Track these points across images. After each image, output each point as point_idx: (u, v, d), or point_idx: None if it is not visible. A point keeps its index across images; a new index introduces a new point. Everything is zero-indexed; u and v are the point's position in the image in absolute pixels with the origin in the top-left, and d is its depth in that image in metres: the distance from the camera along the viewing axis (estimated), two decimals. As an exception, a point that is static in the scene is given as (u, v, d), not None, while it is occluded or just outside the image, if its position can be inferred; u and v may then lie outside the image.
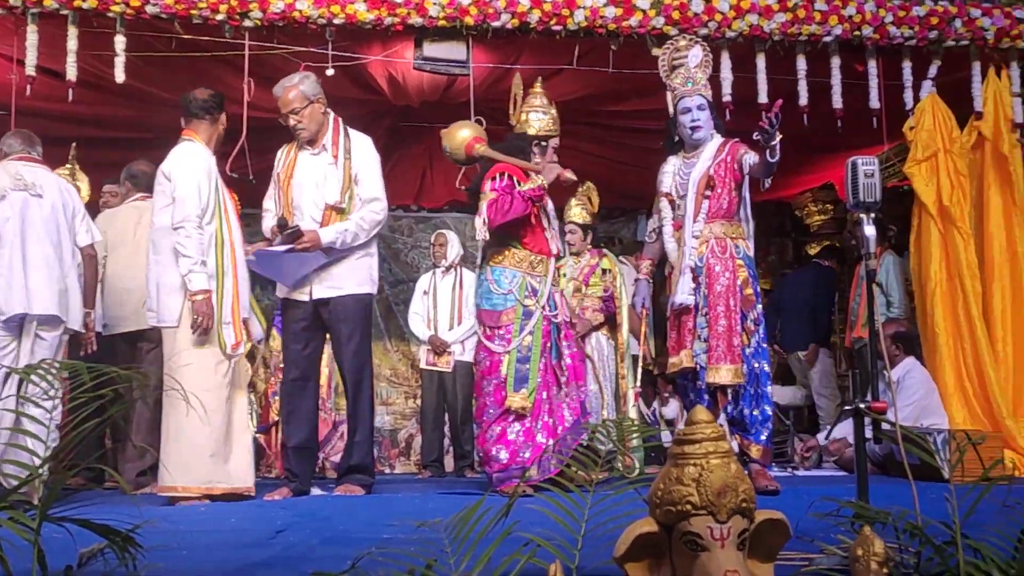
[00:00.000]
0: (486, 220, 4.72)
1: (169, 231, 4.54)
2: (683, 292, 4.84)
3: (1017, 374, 6.08)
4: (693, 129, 4.96)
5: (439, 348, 7.31)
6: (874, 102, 5.97)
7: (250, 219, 9.50)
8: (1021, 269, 6.15)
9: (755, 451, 4.78)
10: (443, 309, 7.44)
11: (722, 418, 4.87)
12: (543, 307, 4.84)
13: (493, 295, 4.83)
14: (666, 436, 7.59)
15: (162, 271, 4.56)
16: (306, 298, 4.83)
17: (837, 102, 5.94)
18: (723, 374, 4.74)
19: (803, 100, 5.87)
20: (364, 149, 4.86)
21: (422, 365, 7.48)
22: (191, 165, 4.61)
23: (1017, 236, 6.19)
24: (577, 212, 6.64)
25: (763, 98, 5.81)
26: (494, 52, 5.92)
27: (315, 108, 4.86)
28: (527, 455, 4.68)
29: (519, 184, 4.81)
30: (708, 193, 4.87)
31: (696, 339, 4.84)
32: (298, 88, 4.85)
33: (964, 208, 6.13)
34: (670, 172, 5.06)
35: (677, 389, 5.32)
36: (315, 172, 4.87)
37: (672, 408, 8.07)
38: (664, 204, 5.05)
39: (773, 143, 4.50)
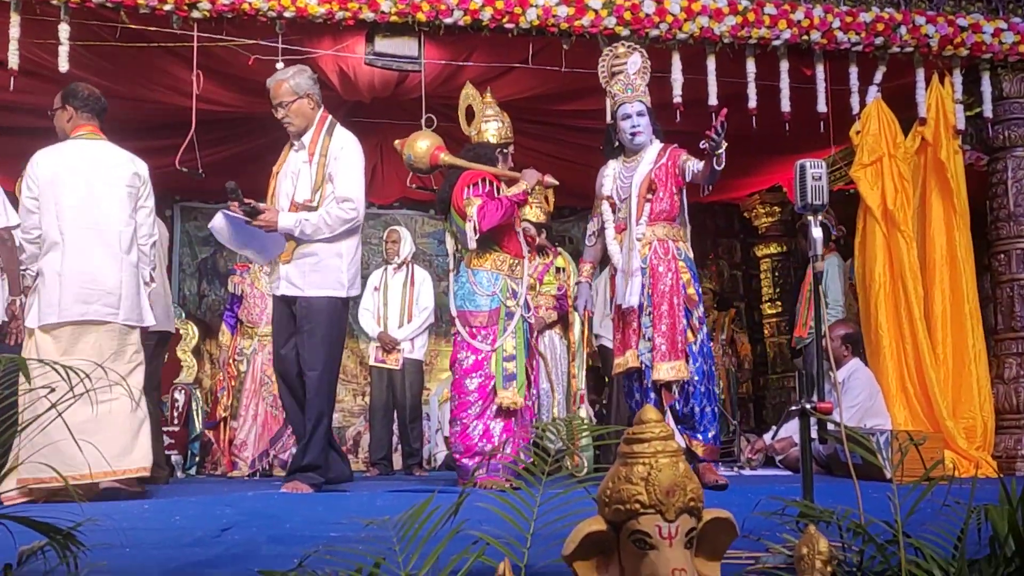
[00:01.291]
0: (476, 225, 4.74)
1: (138, 234, 4.67)
2: (631, 293, 4.87)
3: (956, 376, 6.19)
4: (633, 135, 5.02)
5: (388, 345, 7.29)
6: (821, 106, 6.04)
7: (197, 213, 9.43)
8: (960, 273, 6.27)
9: (701, 449, 4.82)
10: (393, 306, 7.41)
11: (668, 417, 4.90)
12: (521, 307, 4.94)
13: (477, 296, 4.90)
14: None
15: (134, 272, 4.64)
16: (279, 294, 4.80)
17: (785, 105, 6.00)
18: (668, 371, 4.78)
19: (752, 103, 5.92)
20: (344, 148, 4.79)
21: (371, 362, 7.45)
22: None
23: (957, 240, 6.30)
24: (534, 212, 6.66)
25: (713, 100, 5.85)
26: (446, 49, 5.90)
27: (303, 104, 4.81)
28: (509, 450, 4.79)
29: (499, 189, 4.88)
30: (650, 196, 4.93)
31: (641, 339, 4.89)
32: (288, 82, 4.81)
33: (907, 212, 6.23)
34: (610, 176, 5.12)
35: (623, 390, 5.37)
36: (293, 168, 4.84)
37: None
38: (605, 207, 5.11)
39: (719, 151, 4.57)
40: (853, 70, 6.10)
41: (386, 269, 7.57)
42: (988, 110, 6.32)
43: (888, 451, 5.21)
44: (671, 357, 4.79)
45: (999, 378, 6.30)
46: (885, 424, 5.95)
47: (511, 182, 4.99)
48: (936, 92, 6.27)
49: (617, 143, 5.13)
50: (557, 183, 5.08)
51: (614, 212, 5.07)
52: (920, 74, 6.25)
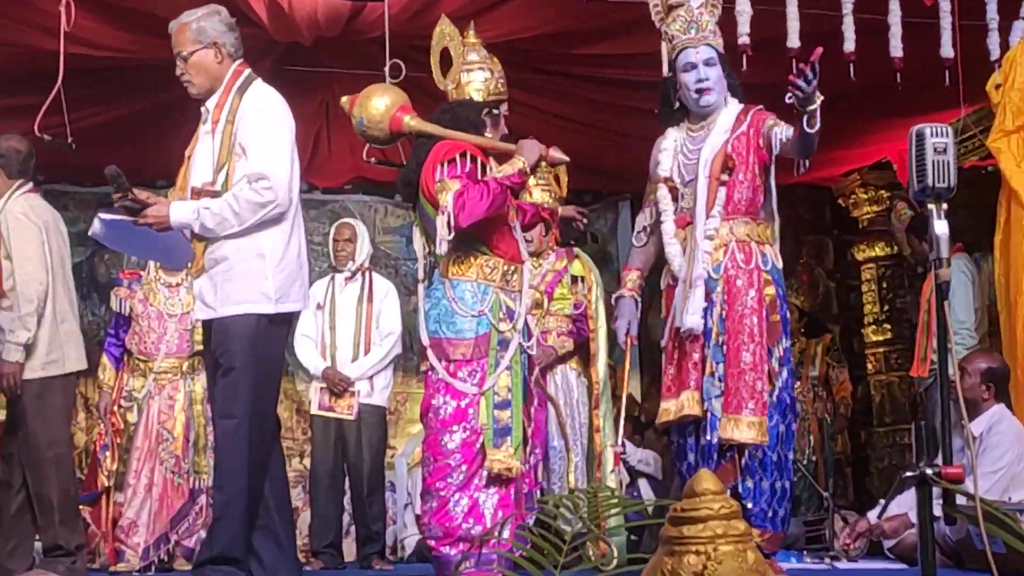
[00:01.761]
0: (452, 219, 4.74)
1: None
2: (692, 312, 4.87)
3: None
4: (700, 92, 5.00)
5: (338, 386, 7.30)
6: (947, 49, 6.06)
7: (67, 200, 9.45)
8: None
9: (758, 539, 4.84)
10: (344, 331, 7.42)
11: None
12: (519, 333, 4.93)
13: (457, 317, 4.89)
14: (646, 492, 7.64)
15: None
16: (195, 318, 4.85)
17: (896, 48, 6.02)
18: (744, 429, 4.77)
19: (849, 45, 5.94)
20: (258, 109, 4.79)
21: (313, 410, 7.44)
22: None
23: None
24: (537, 197, 6.66)
25: (794, 41, 5.87)
26: (419, -30, 5.94)
27: (205, 56, 4.82)
28: (506, 534, 4.77)
29: (487, 169, 4.88)
30: (725, 178, 4.93)
31: (708, 376, 4.88)
32: (191, 26, 4.83)
33: (1068, 197, 6.25)
34: (670, 150, 5.10)
35: (670, 447, 5.36)
36: (198, 143, 4.88)
37: (644, 457, 8.13)
38: (663, 193, 5.08)
39: (812, 107, 4.56)
40: (991, -1, 6.14)
41: (333, 279, 7.57)
42: None
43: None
44: (751, 409, 4.79)
45: None
46: (1041, 498, 5.96)
47: (503, 157, 5.01)
48: (1109, 28, 6.30)
49: (678, 104, 5.12)
50: (567, 159, 5.09)
51: (675, 200, 5.07)
52: (1086, 3, 6.28)
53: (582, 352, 6.58)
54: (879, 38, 6.02)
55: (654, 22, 5.19)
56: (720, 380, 4.83)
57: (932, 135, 3.21)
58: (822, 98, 4.54)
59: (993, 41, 6.15)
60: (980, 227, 7.05)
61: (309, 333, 7.47)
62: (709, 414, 4.83)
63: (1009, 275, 6.38)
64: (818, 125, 4.59)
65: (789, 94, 4.53)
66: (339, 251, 7.56)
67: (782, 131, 4.83)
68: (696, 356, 4.90)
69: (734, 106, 5.03)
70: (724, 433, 4.78)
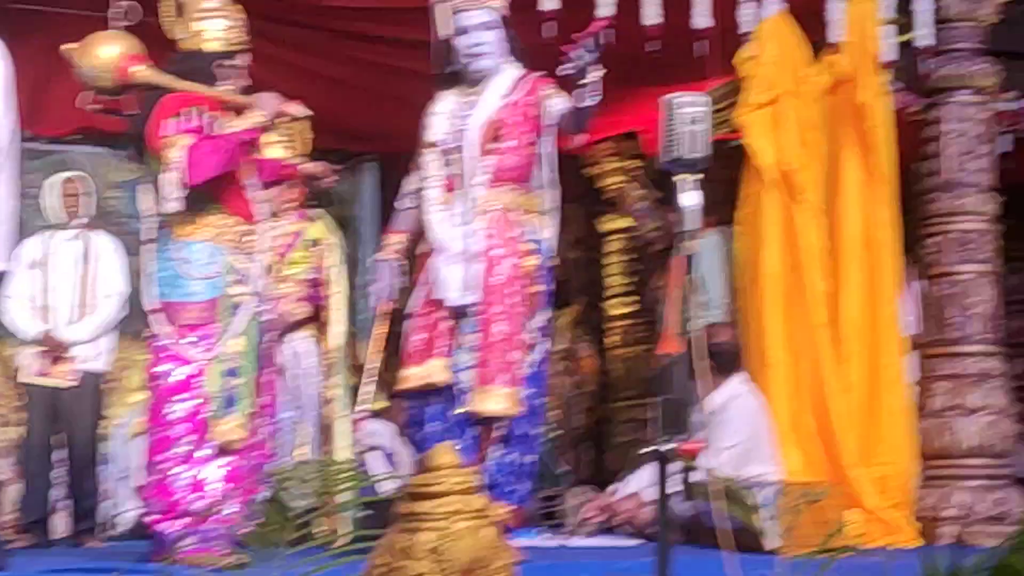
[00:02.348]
0: (183, 176, 4.64)
1: None
2: (455, 284, 4.92)
3: (869, 406, 6.46)
4: (473, 56, 5.08)
5: (56, 351, 7.07)
6: (701, 18, 6.16)
7: None
8: (881, 262, 6.53)
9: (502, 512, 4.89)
10: (63, 292, 7.21)
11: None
12: (252, 297, 4.91)
13: (187, 280, 4.84)
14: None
15: None
16: None
17: (651, 15, 6.09)
18: (497, 400, 4.80)
19: (606, 9, 5.99)
20: None
21: (26, 376, 7.20)
22: None
23: (878, 216, 6.55)
24: (279, 154, 6.55)
25: (551, 3, 5.87)
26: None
27: None
28: (235, 508, 4.74)
29: (222, 123, 4.82)
30: (493, 146, 4.96)
31: (459, 348, 4.91)
32: None
33: (815, 174, 6.44)
34: (443, 114, 5.17)
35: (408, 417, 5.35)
36: None
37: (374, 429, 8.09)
38: (431, 158, 5.11)
39: (587, 80, 4.62)
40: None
41: (51, 236, 7.33)
42: (925, 36, 6.52)
43: (775, 511, 5.38)
44: (503, 380, 4.81)
45: (924, 409, 6.58)
46: (772, 473, 6.14)
47: (238, 111, 4.93)
48: (856, 6, 6.47)
49: (452, 68, 5.15)
50: (310, 113, 5.06)
51: (446, 166, 5.08)
52: (836, -22, 6.46)
53: (317, 320, 6.53)
54: (633, 3, 6.08)
55: None
56: (471, 351, 4.87)
57: (684, 105, 3.24)
58: (600, 73, 4.59)
59: (747, 10, 6.26)
60: (723, 202, 7.23)
61: (21, 294, 7.22)
62: (456, 386, 4.87)
63: (752, 250, 6.54)
64: (596, 99, 4.65)
65: (565, 64, 4.58)
66: (69, 207, 7.32)
67: (560, 103, 4.89)
68: (447, 327, 4.93)
69: (512, 72, 5.09)
70: (474, 405, 4.83)
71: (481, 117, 5.03)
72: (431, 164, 5.15)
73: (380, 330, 5.60)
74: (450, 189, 5.07)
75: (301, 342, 6.54)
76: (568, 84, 4.73)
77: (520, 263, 4.94)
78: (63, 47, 5.07)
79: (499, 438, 4.92)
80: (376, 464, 8.20)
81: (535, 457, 5.02)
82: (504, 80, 5.09)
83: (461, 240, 4.94)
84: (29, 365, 7.22)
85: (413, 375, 5.01)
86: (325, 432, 6.37)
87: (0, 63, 4.65)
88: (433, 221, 5.07)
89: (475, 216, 4.96)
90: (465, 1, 5.08)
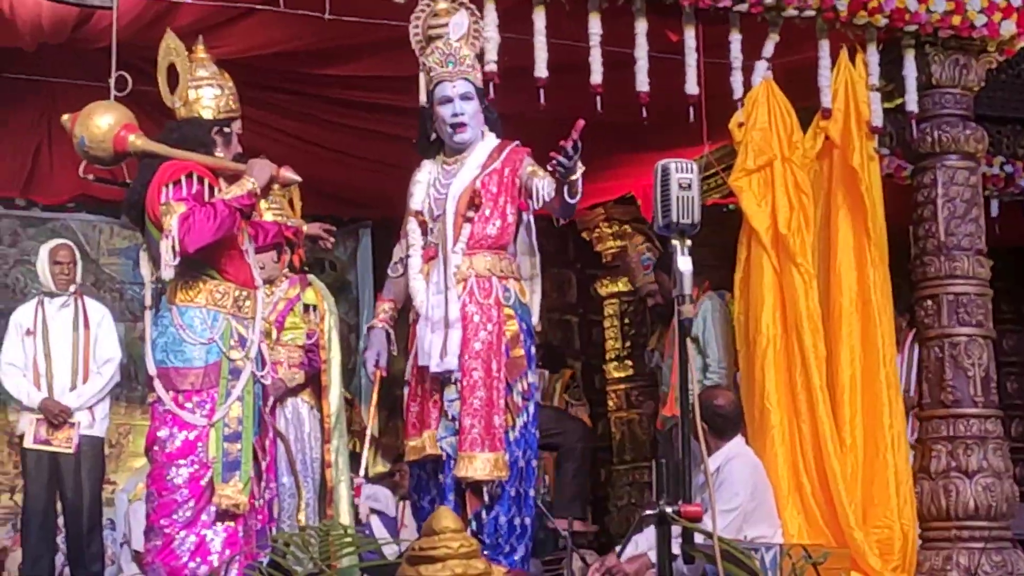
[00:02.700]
0: (178, 244, 4.67)
1: None
2: (435, 351, 4.96)
3: (868, 467, 6.44)
4: (455, 127, 5.14)
5: (59, 418, 7.07)
6: (691, 86, 6.23)
7: None
8: (874, 323, 6.53)
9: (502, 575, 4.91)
10: (61, 358, 7.20)
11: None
12: (251, 361, 4.92)
13: (186, 346, 4.84)
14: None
15: None
16: None
17: (643, 83, 6.16)
18: (479, 466, 4.83)
19: (596, 77, 6.06)
20: None
21: (28, 443, 7.18)
22: None
23: (871, 279, 6.57)
24: (270, 221, 6.59)
25: (541, 71, 5.95)
26: (152, -22, 5.81)
27: None
28: (237, 574, 4.73)
29: (216, 190, 4.84)
30: (471, 214, 5.02)
31: (443, 417, 4.95)
32: None
33: (807, 238, 6.46)
34: (423, 183, 5.23)
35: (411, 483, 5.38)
36: None
37: (372, 493, 8.09)
38: (413, 227, 5.19)
39: (574, 177, 4.70)
40: (735, 38, 6.32)
41: (43, 303, 7.33)
42: (912, 102, 6.65)
43: (776, 573, 5.37)
44: (485, 447, 4.86)
45: (924, 471, 6.58)
46: (774, 536, 6.13)
47: (234, 178, 4.96)
48: (845, 74, 6.56)
49: (435, 136, 5.23)
50: (299, 179, 5.10)
51: (425, 234, 5.17)
52: (824, 48, 6.52)
53: (315, 384, 6.53)
54: (626, 72, 6.15)
55: (414, 51, 5.29)
56: (453, 419, 4.95)
57: (677, 170, 3.29)
58: (583, 168, 4.68)
59: (736, 80, 6.35)
60: (721, 265, 7.26)
61: (17, 361, 7.22)
62: (444, 454, 4.93)
63: (748, 313, 6.56)
64: (579, 195, 4.74)
65: (551, 163, 4.66)
66: (59, 274, 7.34)
67: (544, 185, 4.94)
68: (437, 395, 5.00)
69: (490, 141, 5.18)
70: (459, 471, 4.89)
71: (460, 186, 5.09)
72: (413, 232, 5.20)
73: (373, 397, 5.63)
74: (432, 257, 5.12)
75: (300, 407, 6.54)
76: (553, 174, 4.80)
77: (499, 329, 4.99)
78: (62, 117, 5.11)
79: (489, 501, 4.93)
80: (376, 529, 8.19)
81: (530, 517, 5.03)
82: (483, 149, 5.15)
83: (440, 307, 4.99)
84: (30, 432, 7.20)
85: (412, 448, 5.08)
86: (324, 496, 6.35)
87: None
88: (415, 289, 5.13)
89: (454, 283, 5.00)
90: (445, 71, 5.15)
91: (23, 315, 7.34)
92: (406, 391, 5.22)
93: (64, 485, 7.17)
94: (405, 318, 5.33)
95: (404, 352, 5.30)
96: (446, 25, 5.19)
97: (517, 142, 5.18)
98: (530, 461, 5.03)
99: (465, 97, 5.12)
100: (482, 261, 5.04)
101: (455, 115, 5.10)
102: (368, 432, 6.03)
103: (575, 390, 9.87)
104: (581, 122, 4.65)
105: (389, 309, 5.36)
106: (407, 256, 5.22)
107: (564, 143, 4.60)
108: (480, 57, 5.31)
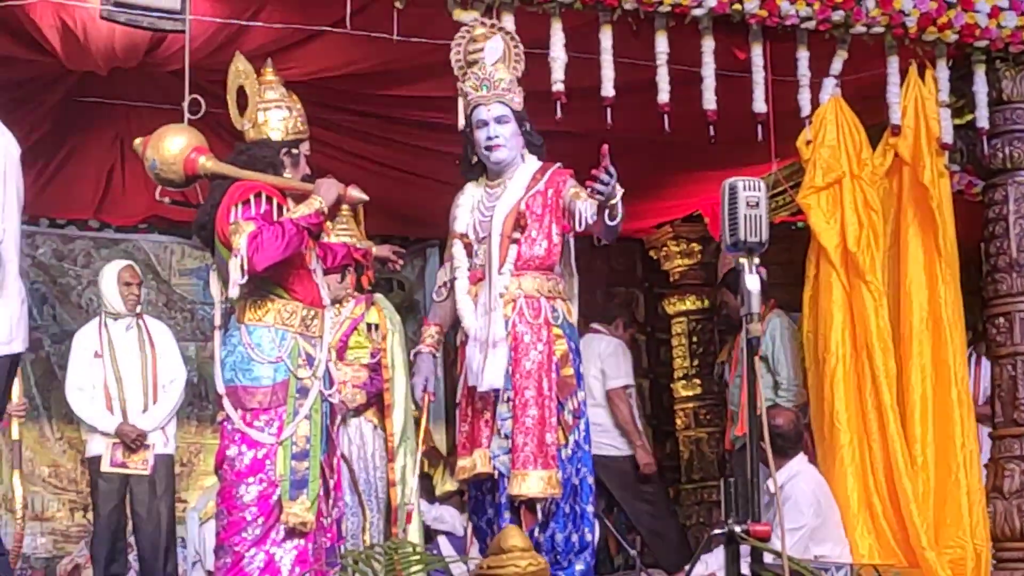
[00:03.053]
0: (246, 262, 4.70)
1: None
2: (495, 372, 4.99)
3: (940, 487, 6.40)
4: (491, 149, 5.20)
5: (136, 442, 7.09)
6: (759, 104, 6.23)
7: None
8: (946, 341, 6.50)
9: None
10: (132, 380, 7.21)
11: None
12: (319, 380, 4.94)
13: (254, 364, 4.87)
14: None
15: None
16: None
17: (710, 101, 6.16)
18: (532, 483, 4.85)
19: (663, 96, 6.06)
20: None
21: (105, 467, 7.17)
22: None
23: (942, 296, 6.54)
24: (339, 243, 6.62)
25: (608, 90, 5.96)
26: (223, 1, 5.86)
27: None
28: None
29: (285, 210, 4.88)
30: (517, 236, 5.06)
31: (496, 435, 4.97)
32: None
33: (876, 255, 6.43)
34: (466, 206, 5.29)
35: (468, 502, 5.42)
36: None
37: (439, 515, 8.09)
38: (458, 249, 5.24)
39: (614, 200, 4.72)
40: (803, 55, 6.31)
41: (105, 324, 7.33)
42: (983, 118, 6.62)
43: (846, 594, 5.34)
44: (538, 464, 4.87)
45: (997, 491, 6.54)
46: (840, 554, 6.08)
47: (302, 198, 4.99)
48: (915, 91, 6.54)
49: (476, 159, 5.29)
50: (366, 198, 5.12)
51: (470, 256, 5.21)
52: (893, 65, 6.50)
53: (379, 403, 6.53)
54: (693, 90, 6.15)
55: (456, 74, 5.36)
56: (507, 438, 4.99)
57: (744, 188, 3.28)
58: (622, 191, 4.69)
59: (804, 97, 6.34)
60: (790, 283, 7.22)
61: (85, 385, 7.21)
62: (498, 472, 4.97)
63: (818, 331, 6.53)
64: (620, 217, 4.76)
65: (589, 189, 4.69)
66: (129, 295, 7.38)
67: (586, 207, 4.96)
68: (488, 414, 5.04)
69: (532, 164, 5.22)
70: (512, 489, 4.93)
71: (505, 207, 5.14)
72: (458, 255, 5.25)
73: (422, 422, 5.65)
74: (479, 279, 5.17)
75: (363, 427, 6.55)
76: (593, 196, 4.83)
77: (549, 348, 5.01)
78: (135, 141, 5.18)
79: (544, 519, 4.95)
80: (444, 549, 8.19)
81: (590, 533, 5.03)
82: (526, 172, 5.19)
83: (488, 328, 5.02)
84: (107, 456, 7.20)
85: (463, 467, 5.12)
86: (389, 516, 6.36)
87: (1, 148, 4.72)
88: (463, 310, 5.17)
89: (499, 304, 5.03)
90: (480, 96, 5.19)
91: (87, 337, 7.33)
92: (457, 412, 5.28)
93: (136, 504, 7.19)
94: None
95: (448, 374, 5.36)
96: (482, 50, 5.25)
97: (559, 164, 5.23)
98: (584, 478, 5.04)
99: (500, 120, 5.17)
100: (530, 281, 5.08)
101: (489, 138, 5.17)
102: (417, 455, 6.08)
103: (640, 408, 9.81)
104: (606, 147, 4.67)
105: (435, 333, 5.41)
106: (453, 279, 5.27)
107: (597, 172, 4.62)
108: (519, 80, 5.32)
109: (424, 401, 5.41)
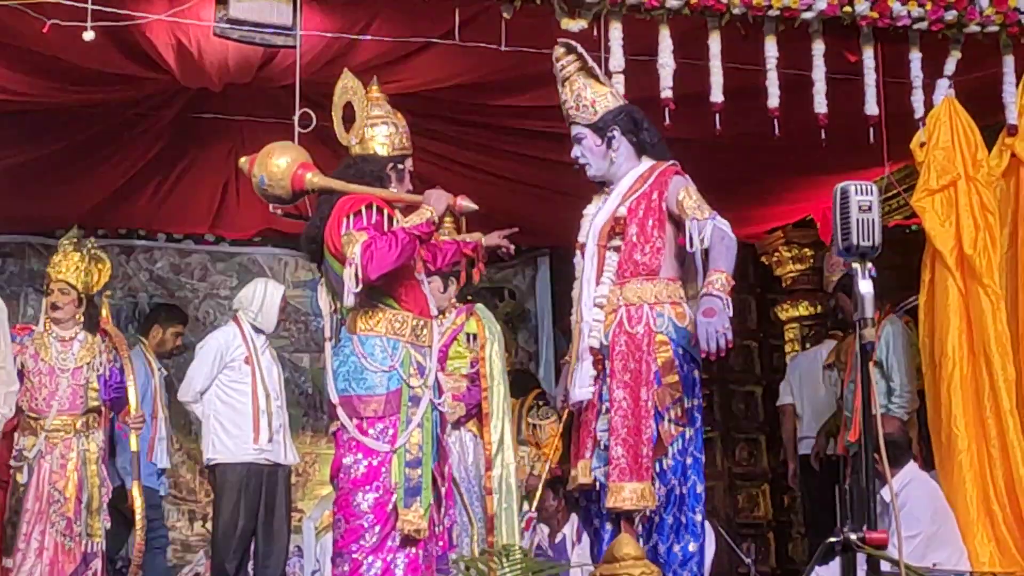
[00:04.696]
0: (359, 271, 4.77)
1: None
2: (580, 386, 5.04)
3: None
4: (581, 167, 5.27)
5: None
6: (871, 106, 6.17)
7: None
8: (1065, 344, 6.39)
9: None
10: (274, 395, 7.35)
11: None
12: (429, 389, 4.99)
13: (367, 373, 4.93)
14: None
15: None
16: None
17: (820, 104, 6.12)
18: (626, 495, 4.87)
19: (773, 100, 6.03)
20: None
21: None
22: None
23: (1060, 298, 6.43)
24: (447, 240, 6.67)
25: (716, 96, 5.94)
26: (333, 15, 5.93)
27: None
28: None
29: (395, 221, 4.95)
30: (615, 244, 5.07)
31: (597, 447, 5.01)
32: None
33: (993, 258, 6.34)
34: (587, 216, 5.33)
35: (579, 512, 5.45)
36: None
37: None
38: (578, 258, 5.30)
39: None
40: (915, 57, 6.25)
41: (250, 337, 7.43)
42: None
43: (968, 601, 5.27)
44: (633, 476, 4.88)
45: (1120, 497, 6.40)
46: (958, 561, 6.01)
47: (410, 210, 5.04)
48: (1031, 89, 6.45)
49: None
50: (476, 207, 5.16)
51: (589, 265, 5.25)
52: (1008, 64, 6.40)
53: (478, 413, 6.57)
54: (803, 94, 6.12)
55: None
56: (605, 449, 4.97)
57: (856, 193, 3.25)
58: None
59: (917, 99, 6.27)
60: (905, 287, 7.14)
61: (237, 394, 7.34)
62: (598, 483, 5.00)
63: (934, 336, 6.45)
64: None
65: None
66: (281, 318, 7.57)
67: (698, 233, 4.93)
68: (592, 426, 5.06)
69: (641, 167, 5.21)
70: (607, 502, 4.92)
71: (604, 216, 5.15)
72: (578, 264, 5.28)
73: (559, 429, 5.68)
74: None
75: (464, 436, 6.59)
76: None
77: (650, 357, 4.98)
78: (240, 160, 5.27)
79: (648, 530, 4.95)
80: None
81: (693, 544, 4.99)
82: (631, 177, 5.18)
83: (589, 338, 5.03)
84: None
85: (572, 477, 5.14)
86: (486, 524, 6.40)
87: None
88: (573, 322, 5.22)
89: (591, 315, 5.05)
90: (568, 115, 5.28)
91: (232, 345, 7.41)
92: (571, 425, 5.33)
93: (252, 513, 7.31)
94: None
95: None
96: (562, 68, 5.29)
97: (668, 163, 5.18)
98: (693, 487, 4.98)
99: (577, 139, 5.24)
100: (632, 290, 5.05)
101: (575, 158, 5.26)
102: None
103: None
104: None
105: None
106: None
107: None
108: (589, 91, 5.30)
109: (564, 411, 5.44)
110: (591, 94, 5.23)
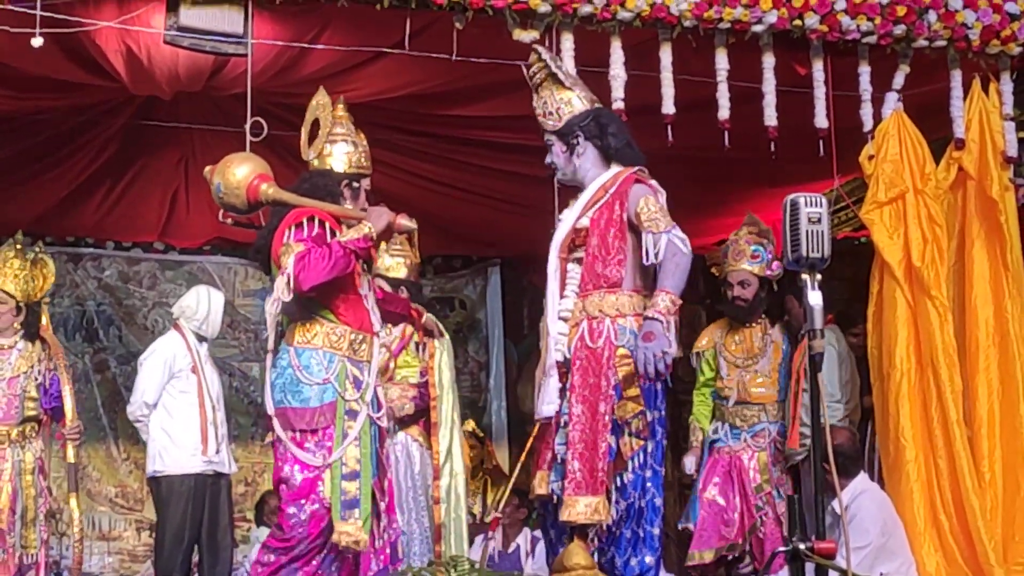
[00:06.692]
0: (292, 280, 4.77)
1: None
2: (547, 402, 5.04)
3: (1008, 503, 6.31)
4: (551, 172, 5.30)
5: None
6: (821, 119, 6.20)
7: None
8: (1012, 356, 6.43)
9: None
10: (218, 403, 7.28)
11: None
12: (367, 404, 5.01)
13: (302, 386, 4.95)
14: None
15: None
16: None
17: (771, 117, 6.15)
18: (580, 510, 4.87)
19: (724, 112, 6.05)
20: None
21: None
22: None
23: (1009, 311, 6.47)
24: (393, 264, 6.66)
25: (668, 107, 5.96)
26: (284, 23, 5.91)
27: None
28: None
29: (335, 233, 4.96)
30: (575, 256, 5.07)
31: (555, 460, 5.01)
32: None
33: (941, 270, 6.38)
34: (560, 223, 5.32)
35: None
36: None
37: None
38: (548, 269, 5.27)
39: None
40: (864, 70, 6.29)
41: (193, 346, 7.36)
42: (1048, 131, 6.57)
43: (914, 612, 5.30)
44: (588, 490, 4.88)
45: (1067, 508, 6.44)
46: (908, 572, 6.03)
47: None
48: (978, 104, 6.49)
49: None
50: (414, 226, 5.20)
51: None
52: (956, 78, 6.46)
53: (426, 422, 6.56)
54: (754, 106, 6.15)
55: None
56: (562, 463, 4.98)
57: (806, 205, 3.27)
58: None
59: (866, 112, 6.32)
60: (853, 298, 7.17)
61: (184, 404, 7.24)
62: (554, 495, 5.02)
63: (882, 347, 6.48)
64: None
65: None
66: (223, 324, 7.53)
67: (653, 247, 4.94)
68: (551, 438, 5.09)
69: (605, 175, 5.18)
70: (563, 515, 4.93)
71: (564, 228, 5.17)
72: (548, 275, 5.27)
73: (529, 442, 5.64)
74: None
75: (410, 445, 6.58)
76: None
77: (610, 371, 4.98)
78: (205, 169, 5.26)
79: (606, 543, 4.96)
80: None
81: (649, 557, 5.00)
82: (593, 187, 5.19)
83: (554, 352, 5.05)
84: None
85: (531, 487, 5.17)
86: (434, 533, 6.39)
87: None
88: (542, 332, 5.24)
89: (558, 329, 5.07)
90: (540, 122, 5.30)
91: (178, 356, 7.25)
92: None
93: (195, 523, 7.20)
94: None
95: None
96: (531, 75, 5.34)
97: (632, 170, 5.17)
98: (652, 500, 4.98)
99: (547, 145, 5.27)
100: (594, 303, 5.04)
101: (547, 163, 5.30)
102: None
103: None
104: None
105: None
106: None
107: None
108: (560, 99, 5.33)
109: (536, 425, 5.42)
110: (556, 101, 5.25)
